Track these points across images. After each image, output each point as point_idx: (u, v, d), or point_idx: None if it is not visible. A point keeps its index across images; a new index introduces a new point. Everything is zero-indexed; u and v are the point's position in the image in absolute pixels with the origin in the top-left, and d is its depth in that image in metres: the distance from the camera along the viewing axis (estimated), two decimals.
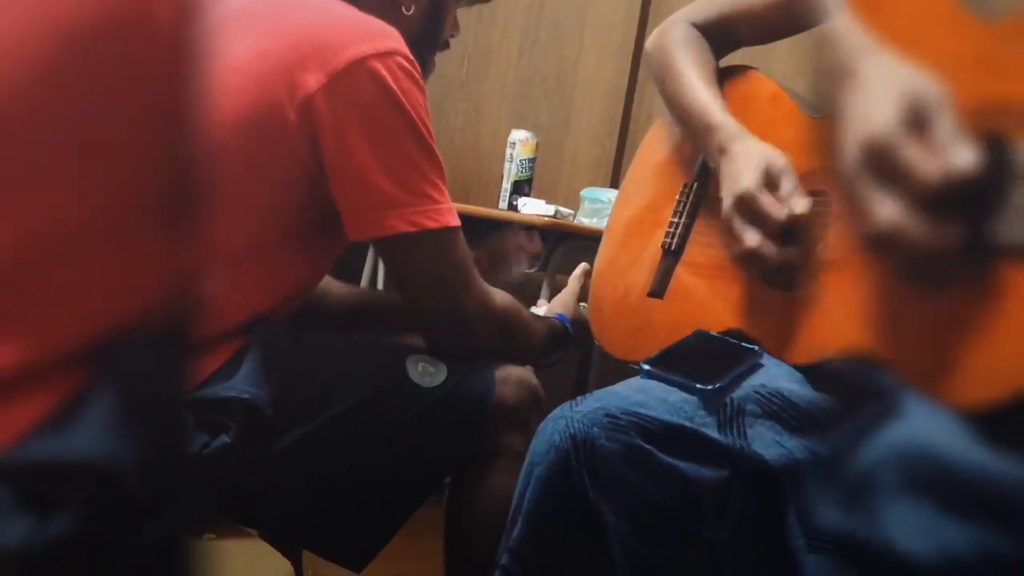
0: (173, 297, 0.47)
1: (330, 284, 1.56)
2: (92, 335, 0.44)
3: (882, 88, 0.67)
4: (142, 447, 0.45)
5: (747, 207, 1.14)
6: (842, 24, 0.76)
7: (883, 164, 0.65)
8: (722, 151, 1.23)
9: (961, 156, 0.63)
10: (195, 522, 0.50)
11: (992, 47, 0.68)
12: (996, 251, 0.64)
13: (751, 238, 1.13)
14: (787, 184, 1.15)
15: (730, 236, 1.17)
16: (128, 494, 0.44)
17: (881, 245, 0.67)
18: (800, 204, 1.12)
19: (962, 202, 0.64)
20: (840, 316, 1.05)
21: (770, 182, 1.15)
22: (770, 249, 1.13)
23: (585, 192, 2.75)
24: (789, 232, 1.13)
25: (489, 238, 1.65)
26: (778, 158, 1.17)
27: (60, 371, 0.44)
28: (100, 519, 0.44)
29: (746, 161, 1.18)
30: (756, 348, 1.17)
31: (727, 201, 1.17)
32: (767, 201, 1.13)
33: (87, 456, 0.44)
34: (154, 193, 0.46)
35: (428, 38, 1.47)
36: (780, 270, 1.14)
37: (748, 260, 1.15)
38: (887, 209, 0.65)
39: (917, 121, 0.65)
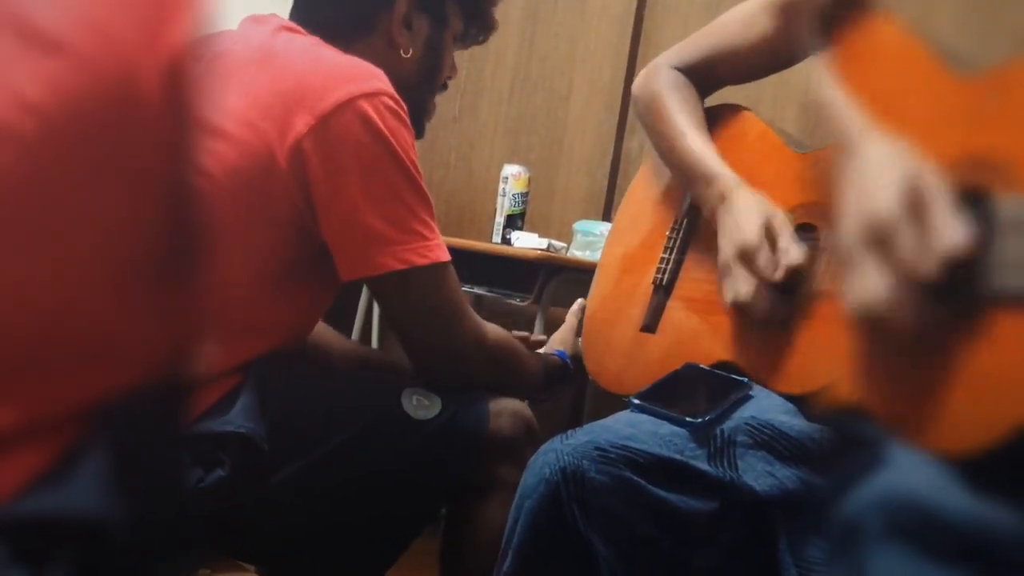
0: (173, 352, 0.48)
1: (334, 340, 1.56)
2: (91, 393, 0.45)
3: (883, 171, 0.69)
4: (137, 502, 0.46)
5: (748, 258, 1.18)
6: (833, 96, 0.77)
7: (882, 245, 0.67)
8: (722, 199, 1.25)
9: (955, 235, 0.65)
10: (190, 566, 0.51)
11: (972, 102, 0.70)
12: (980, 300, 0.65)
13: (747, 289, 1.17)
14: (784, 238, 1.18)
15: (726, 283, 1.20)
16: (121, 548, 0.45)
17: (866, 318, 0.69)
18: (796, 255, 1.16)
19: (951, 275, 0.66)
20: (830, 347, 1.07)
21: (770, 236, 1.18)
22: (764, 301, 1.17)
23: (578, 225, 2.77)
24: (783, 285, 1.16)
25: None
26: (778, 214, 1.20)
27: (58, 427, 0.45)
28: (93, 573, 0.45)
29: (748, 213, 1.21)
30: (746, 380, 1.18)
31: (728, 250, 1.20)
32: (766, 257, 1.17)
33: (81, 511, 0.44)
34: (152, 251, 0.47)
35: (427, 80, 1.48)
36: (771, 317, 1.18)
37: (742, 308, 1.19)
38: (877, 287, 0.67)
39: (915, 204, 0.67)
